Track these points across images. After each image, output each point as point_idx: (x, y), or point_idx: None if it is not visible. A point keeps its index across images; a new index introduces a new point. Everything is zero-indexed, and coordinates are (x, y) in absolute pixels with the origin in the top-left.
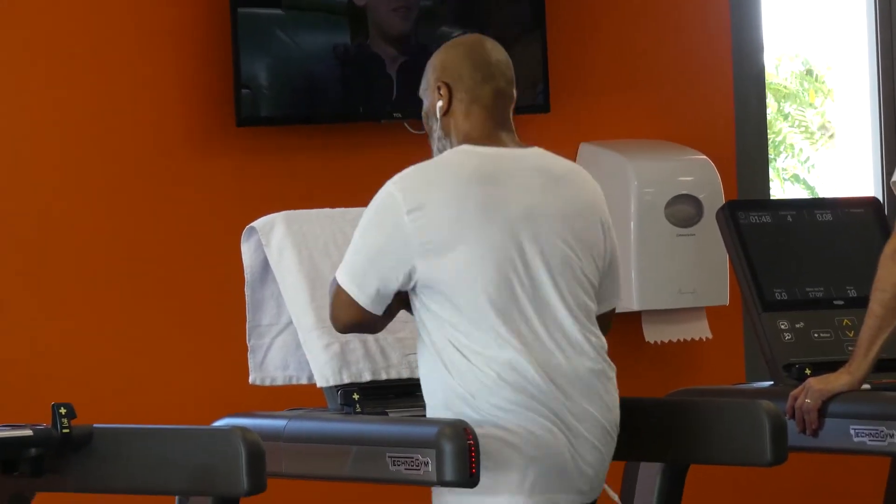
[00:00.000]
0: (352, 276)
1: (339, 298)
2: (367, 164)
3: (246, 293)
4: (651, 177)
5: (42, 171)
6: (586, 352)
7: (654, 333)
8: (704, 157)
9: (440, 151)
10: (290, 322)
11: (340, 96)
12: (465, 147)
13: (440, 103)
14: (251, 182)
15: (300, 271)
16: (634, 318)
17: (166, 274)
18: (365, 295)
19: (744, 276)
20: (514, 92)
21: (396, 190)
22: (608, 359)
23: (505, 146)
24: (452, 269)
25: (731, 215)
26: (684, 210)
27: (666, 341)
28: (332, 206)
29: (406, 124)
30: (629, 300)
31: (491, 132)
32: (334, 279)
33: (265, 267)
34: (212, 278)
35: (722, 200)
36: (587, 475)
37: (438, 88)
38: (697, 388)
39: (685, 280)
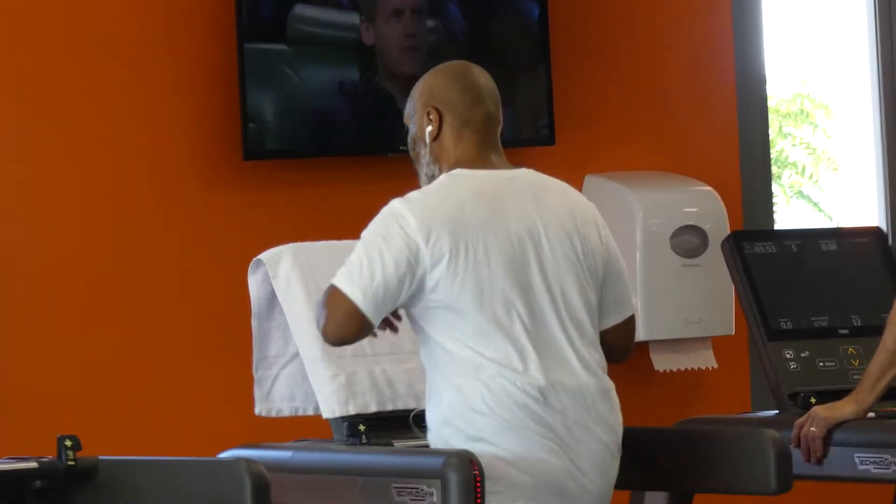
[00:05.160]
0: (358, 284)
1: (340, 307)
2: (374, 197)
3: (252, 325)
4: (656, 208)
5: (48, 206)
6: (587, 369)
7: (661, 362)
8: (709, 188)
9: (428, 177)
10: (297, 353)
11: (346, 130)
12: (459, 171)
13: (430, 128)
14: (258, 215)
15: (307, 303)
16: (642, 348)
17: (173, 306)
18: (370, 303)
19: (749, 305)
20: (501, 116)
21: (405, 209)
22: (607, 377)
23: (496, 168)
24: (457, 287)
25: (736, 246)
26: (689, 241)
27: (673, 370)
28: (339, 239)
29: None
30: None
31: (482, 155)
32: (331, 287)
33: (272, 299)
34: (218, 310)
35: (727, 231)
36: (590, 494)
37: (428, 113)
38: (703, 418)
39: (691, 310)
